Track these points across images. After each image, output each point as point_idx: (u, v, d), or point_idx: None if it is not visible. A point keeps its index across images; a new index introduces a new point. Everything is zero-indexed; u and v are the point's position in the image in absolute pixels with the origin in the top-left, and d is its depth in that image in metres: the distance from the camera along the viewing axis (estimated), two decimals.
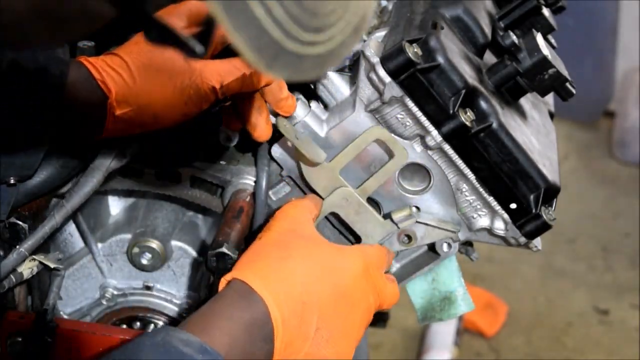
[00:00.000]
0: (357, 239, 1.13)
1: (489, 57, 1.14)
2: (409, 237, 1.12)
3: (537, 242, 1.11)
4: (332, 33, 0.64)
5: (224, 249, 1.07)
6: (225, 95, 1.02)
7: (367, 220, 1.11)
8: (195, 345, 0.84)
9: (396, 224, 1.10)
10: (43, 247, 1.16)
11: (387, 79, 1.02)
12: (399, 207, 1.11)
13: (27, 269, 1.13)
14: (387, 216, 1.11)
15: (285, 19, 0.59)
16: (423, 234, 1.11)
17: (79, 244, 1.27)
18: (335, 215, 1.11)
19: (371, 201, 1.12)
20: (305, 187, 1.13)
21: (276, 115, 1.10)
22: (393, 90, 1.02)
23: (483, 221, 1.09)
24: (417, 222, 1.10)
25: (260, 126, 1.07)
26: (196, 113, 1.02)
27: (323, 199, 1.10)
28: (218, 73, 1.00)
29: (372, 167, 1.10)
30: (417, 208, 1.12)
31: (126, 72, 0.97)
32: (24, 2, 0.59)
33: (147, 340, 0.85)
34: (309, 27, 0.61)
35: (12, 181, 1.04)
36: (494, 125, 1.03)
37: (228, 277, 0.94)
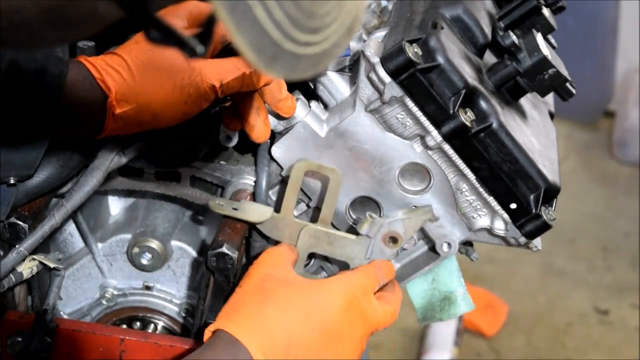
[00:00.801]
0: (345, 267, 1.13)
1: (489, 57, 1.14)
2: (394, 239, 1.10)
3: (537, 242, 1.11)
4: (327, 34, 0.65)
5: (224, 249, 1.07)
6: (225, 94, 1.02)
7: (342, 245, 1.11)
8: None
9: (367, 235, 1.09)
10: (43, 247, 1.16)
11: (387, 79, 1.02)
12: (398, 207, 1.11)
13: (27, 269, 1.13)
14: (356, 232, 1.11)
15: (285, 21, 0.60)
16: (403, 229, 1.10)
17: (79, 244, 1.27)
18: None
19: (373, 202, 1.12)
20: (307, 190, 1.13)
21: (276, 116, 1.10)
22: (393, 90, 1.02)
23: (483, 221, 1.09)
24: (390, 221, 1.09)
25: (258, 127, 1.07)
26: (196, 112, 1.02)
27: None
28: (218, 72, 1.00)
29: (373, 166, 1.10)
30: (417, 206, 1.12)
31: (126, 71, 0.97)
32: (33, 3, 0.60)
33: None
34: (306, 28, 0.63)
35: (12, 181, 1.04)
36: (494, 125, 1.03)
37: (212, 328, 0.97)
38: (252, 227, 1.12)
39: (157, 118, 1.00)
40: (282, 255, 1.07)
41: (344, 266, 1.13)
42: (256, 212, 1.09)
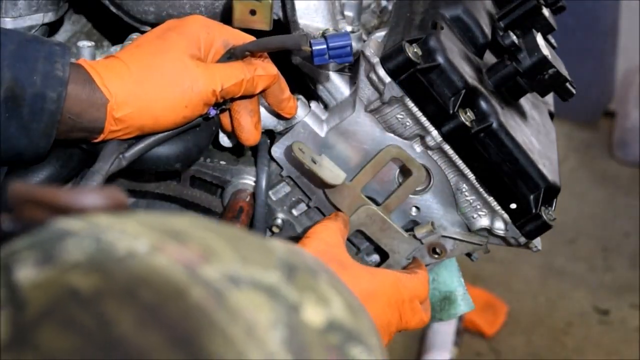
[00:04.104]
0: (384, 255, 1.14)
1: (489, 57, 1.14)
2: (439, 252, 1.12)
3: (537, 242, 1.11)
4: None
5: None
6: (225, 98, 1.02)
7: (392, 237, 1.12)
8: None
9: (420, 240, 1.11)
10: None
11: (387, 79, 1.02)
12: (398, 207, 1.11)
13: None
14: (409, 231, 1.12)
15: None
16: (452, 247, 1.12)
17: None
18: (359, 231, 1.13)
19: (370, 199, 1.12)
20: (307, 190, 1.13)
21: (277, 116, 1.11)
22: (393, 90, 1.02)
23: (483, 221, 1.09)
24: (443, 236, 1.10)
25: (248, 129, 1.07)
26: (196, 115, 1.02)
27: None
28: (218, 76, 1.00)
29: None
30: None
31: (127, 75, 0.97)
32: None
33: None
34: None
35: None
36: (494, 125, 1.03)
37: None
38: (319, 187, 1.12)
39: (157, 122, 1.00)
40: (338, 232, 1.04)
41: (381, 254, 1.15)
42: (331, 173, 1.08)
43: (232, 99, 1.05)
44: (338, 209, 1.12)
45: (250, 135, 1.08)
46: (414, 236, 1.11)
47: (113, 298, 0.49)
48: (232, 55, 1.02)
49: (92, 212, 0.56)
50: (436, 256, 1.13)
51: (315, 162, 1.07)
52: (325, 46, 1.00)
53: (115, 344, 0.48)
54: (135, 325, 0.49)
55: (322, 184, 1.10)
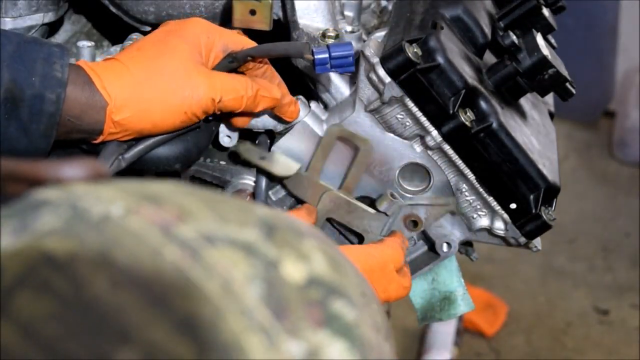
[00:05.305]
0: (361, 238, 1.14)
1: (489, 57, 1.14)
2: (415, 222, 1.11)
3: (537, 242, 1.11)
4: None
5: None
6: (221, 111, 1.02)
7: (360, 216, 1.11)
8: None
9: (385, 213, 1.10)
10: None
11: (387, 79, 1.02)
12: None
13: None
14: (374, 209, 1.11)
15: None
16: (425, 214, 1.11)
17: None
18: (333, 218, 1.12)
19: (370, 199, 1.12)
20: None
21: (278, 119, 1.10)
22: (393, 90, 1.02)
23: (483, 221, 1.09)
24: (412, 204, 1.10)
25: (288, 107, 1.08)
26: (195, 121, 1.02)
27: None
28: (220, 86, 1.00)
29: (373, 166, 1.10)
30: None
31: (127, 78, 0.97)
32: None
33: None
34: None
35: None
36: (494, 125, 1.03)
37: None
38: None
39: (155, 126, 1.00)
40: None
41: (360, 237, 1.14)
42: (283, 166, 1.08)
43: (232, 114, 1.05)
44: (303, 202, 1.11)
45: (294, 112, 1.08)
46: (379, 211, 1.10)
47: (87, 261, 0.50)
48: (234, 59, 1.02)
49: (72, 183, 0.56)
50: (413, 227, 1.11)
51: (264, 158, 1.07)
52: (327, 55, 1.00)
53: (90, 305, 0.49)
54: (110, 286, 0.49)
55: (279, 178, 1.10)
